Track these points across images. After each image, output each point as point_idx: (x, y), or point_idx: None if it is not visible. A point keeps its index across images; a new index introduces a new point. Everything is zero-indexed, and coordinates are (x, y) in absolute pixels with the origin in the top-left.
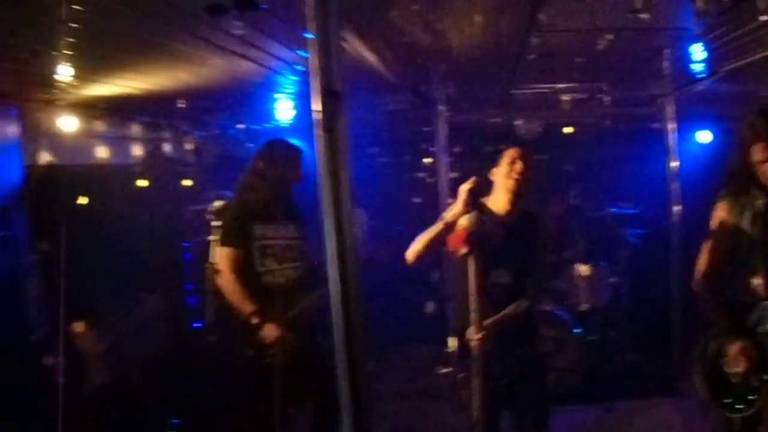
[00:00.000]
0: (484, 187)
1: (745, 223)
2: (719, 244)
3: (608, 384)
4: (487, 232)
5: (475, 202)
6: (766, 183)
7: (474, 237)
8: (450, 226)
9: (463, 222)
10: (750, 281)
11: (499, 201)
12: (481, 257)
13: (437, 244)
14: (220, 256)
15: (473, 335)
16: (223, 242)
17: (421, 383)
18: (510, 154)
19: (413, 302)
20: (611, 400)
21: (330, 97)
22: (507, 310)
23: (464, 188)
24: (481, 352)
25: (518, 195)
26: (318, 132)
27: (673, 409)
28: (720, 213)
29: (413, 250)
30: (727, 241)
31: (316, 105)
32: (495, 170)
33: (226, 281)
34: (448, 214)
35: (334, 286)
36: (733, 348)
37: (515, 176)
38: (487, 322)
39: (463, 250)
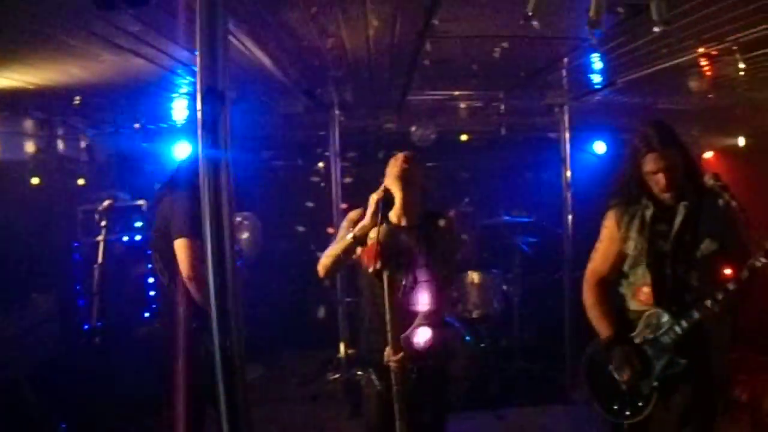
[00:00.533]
0: (392, 198)
1: (634, 232)
2: (607, 252)
3: (499, 392)
4: (400, 245)
5: (385, 213)
6: (656, 193)
7: (387, 251)
8: (360, 240)
9: (374, 235)
10: (638, 290)
11: (396, 206)
12: (395, 270)
13: (347, 259)
14: (194, 247)
15: (391, 356)
16: (197, 233)
17: (312, 388)
18: (395, 157)
19: (305, 307)
20: (502, 408)
21: (212, 96)
22: (418, 321)
23: (374, 199)
24: (402, 374)
25: (409, 191)
26: (199, 132)
27: (565, 416)
28: (609, 222)
29: (323, 265)
30: (615, 250)
31: (199, 104)
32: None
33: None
34: (357, 229)
35: (213, 290)
36: (617, 355)
37: (403, 166)
38: (404, 337)
39: (376, 265)
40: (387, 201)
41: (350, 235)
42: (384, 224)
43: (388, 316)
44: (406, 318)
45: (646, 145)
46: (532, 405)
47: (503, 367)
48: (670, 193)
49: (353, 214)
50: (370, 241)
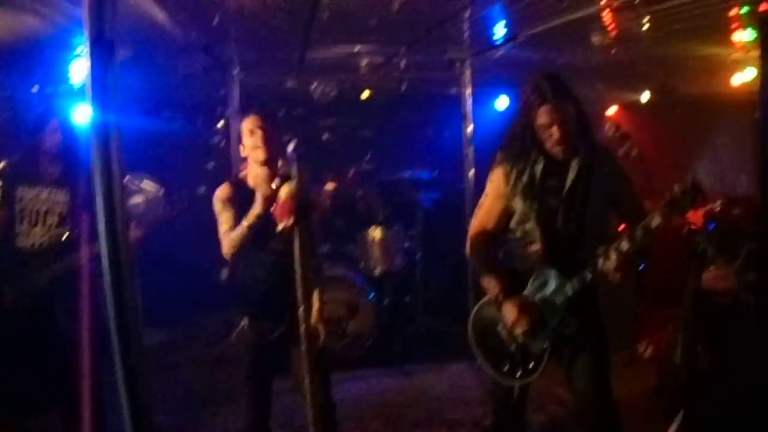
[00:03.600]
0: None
1: (523, 187)
2: (493, 208)
3: (403, 348)
4: (312, 200)
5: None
6: (549, 148)
7: (300, 206)
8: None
9: (287, 191)
10: (527, 247)
11: (259, 176)
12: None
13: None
14: None
15: (303, 315)
16: None
17: (215, 350)
18: (245, 125)
19: (207, 269)
20: (406, 364)
21: (100, 48)
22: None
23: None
24: (315, 334)
25: (273, 162)
26: (88, 85)
27: (468, 372)
28: (496, 176)
29: (231, 255)
30: (502, 206)
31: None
32: (242, 146)
33: None
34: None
35: (106, 259)
36: (509, 311)
37: (260, 144)
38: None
39: (288, 221)
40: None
41: (255, 214)
42: (298, 178)
43: (299, 274)
44: (273, 275)
45: (540, 97)
46: (436, 362)
47: (406, 324)
48: (563, 146)
49: (222, 194)
50: (282, 197)
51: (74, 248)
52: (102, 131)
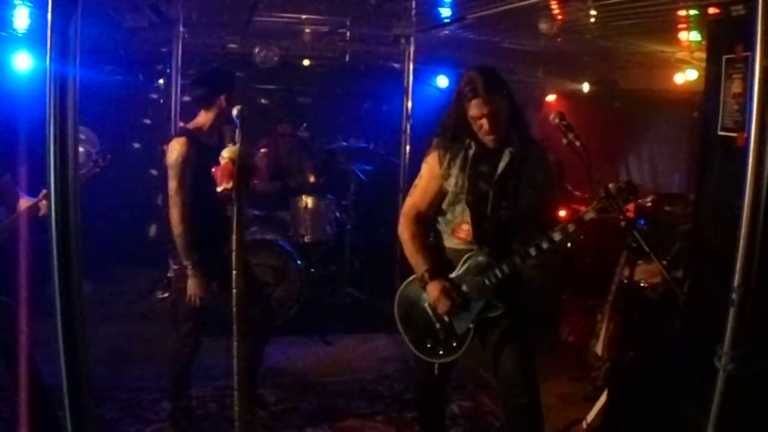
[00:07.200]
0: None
1: (456, 169)
2: (426, 188)
3: (328, 317)
4: (252, 166)
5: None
6: (481, 138)
7: (240, 170)
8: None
9: (228, 155)
10: (457, 227)
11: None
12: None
13: None
14: None
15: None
16: None
17: (141, 306)
18: None
19: (136, 224)
20: (330, 334)
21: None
22: None
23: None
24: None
25: None
26: (48, 40)
27: (392, 344)
28: (431, 159)
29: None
30: (435, 187)
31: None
32: None
33: None
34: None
35: (54, 209)
36: (434, 291)
37: None
38: None
39: (227, 185)
40: (243, 117)
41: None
42: (240, 143)
43: (234, 237)
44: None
45: (471, 90)
46: (359, 333)
47: (332, 294)
48: (492, 137)
49: None
50: (223, 161)
51: None
52: (60, 86)
